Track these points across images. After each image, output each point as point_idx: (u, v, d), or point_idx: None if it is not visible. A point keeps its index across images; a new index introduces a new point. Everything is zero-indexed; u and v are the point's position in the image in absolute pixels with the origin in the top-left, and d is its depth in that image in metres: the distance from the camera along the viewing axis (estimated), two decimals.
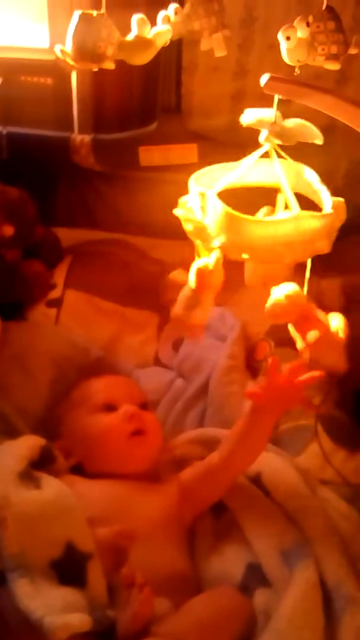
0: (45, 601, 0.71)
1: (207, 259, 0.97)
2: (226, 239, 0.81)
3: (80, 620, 0.70)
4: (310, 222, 0.80)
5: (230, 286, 1.37)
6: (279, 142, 0.84)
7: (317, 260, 1.26)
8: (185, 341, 1.31)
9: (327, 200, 0.84)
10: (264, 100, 1.08)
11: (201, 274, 0.97)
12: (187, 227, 0.89)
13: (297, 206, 0.83)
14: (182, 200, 0.91)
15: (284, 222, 0.80)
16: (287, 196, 0.84)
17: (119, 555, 0.83)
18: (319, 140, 0.85)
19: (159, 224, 1.35)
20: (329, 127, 1.40)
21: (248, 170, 0.88)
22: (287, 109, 1.09)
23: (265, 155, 0.88)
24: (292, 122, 0.86)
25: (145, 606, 0.75)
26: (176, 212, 0.90)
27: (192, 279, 0.98)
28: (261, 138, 0.87)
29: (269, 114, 0.84)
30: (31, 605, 0.70)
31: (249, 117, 0.85)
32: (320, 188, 0.87)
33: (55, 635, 0.68)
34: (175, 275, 1.32)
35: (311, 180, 0.89)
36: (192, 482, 0.98)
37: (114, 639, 0.74)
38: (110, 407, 1.04)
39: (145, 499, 0.95)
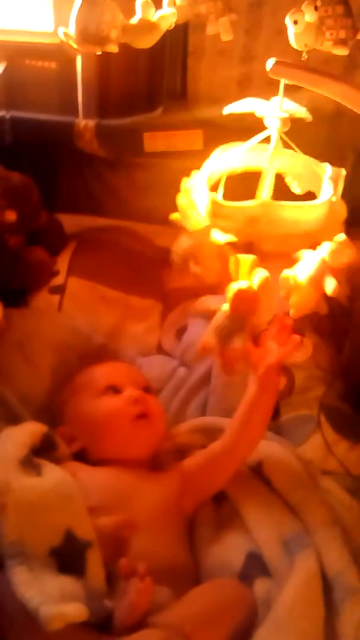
0: (42, 590, 0.70)
1: (246, 281, 0.94)
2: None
3: (76, 610, 0.70)
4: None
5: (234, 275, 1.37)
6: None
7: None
8: (188, 329, 1.30)
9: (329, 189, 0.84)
10: (270, 86, 1.06)
11: (242, 298, 0.93)
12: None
13: (270, 192, 0.82)
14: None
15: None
16: (266, 181, 0.83)
17: (120, 544, 0.83)
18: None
19: (163, 211, 1.34)
20: (336, 115, 1.40)
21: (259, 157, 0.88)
22: (296, 96, 1.08)
23: (265, 141, 0.87)
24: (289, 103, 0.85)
25: (143, 596, 0.75)
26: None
27: (229, 305, 0.95)
28: (271, 126, 0.86)
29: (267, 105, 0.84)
30: (27, 593, 0.70)
31: (256, 109, 0.84)
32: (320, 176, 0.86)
33: (51, 624, 0.67)
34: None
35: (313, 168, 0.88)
36: (193, 471, 0.97)
37: (111, 630, 0.74)
38: (114, 390, 1.03)
39: (147, 487, 0.94)
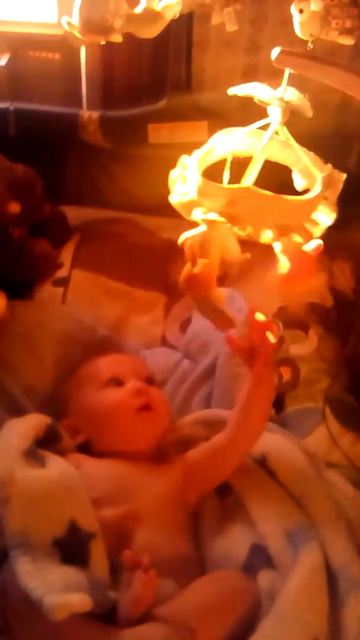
0: (46, 580, 0.71)
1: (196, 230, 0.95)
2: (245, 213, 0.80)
3: (80, 600, 0.70)
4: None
5: (240, 268, 1.37)
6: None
7: (328, 244, 1.25)
8: (192, 322, 1.30)
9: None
10: (276, 77, 1.05)
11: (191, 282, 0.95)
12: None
13: (253, 179, 0.81)
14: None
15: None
16: (253, 168, 0.83)
17: (124, 536, 0.83)
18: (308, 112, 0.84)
19: (167, 203, 1.33)
20: (343, 106, 1.39)
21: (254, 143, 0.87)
22: (302, 86, 1.07)
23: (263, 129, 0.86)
24: (292, 94, 0.84)
25: (148, 589, 0.75)
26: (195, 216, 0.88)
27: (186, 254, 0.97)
28: (273, 115, 0.86)
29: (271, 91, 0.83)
30: (31, 583, 0.70)
31: (258, 94, 0.83)
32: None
33: (55, 614, 0.67)
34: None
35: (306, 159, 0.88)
36: (197, 463, 0.97)
37: (115, 621, 0.74)
38: (117, 382, 1.03)
39: (151, 479, 0.94)
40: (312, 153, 0.94)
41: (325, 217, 0.88)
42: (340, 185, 0.87)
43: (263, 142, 0.85)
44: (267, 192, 0.80)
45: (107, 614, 0.75)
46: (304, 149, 0.93)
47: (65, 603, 0.68)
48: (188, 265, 0.93)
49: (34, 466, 0.84)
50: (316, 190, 0.81)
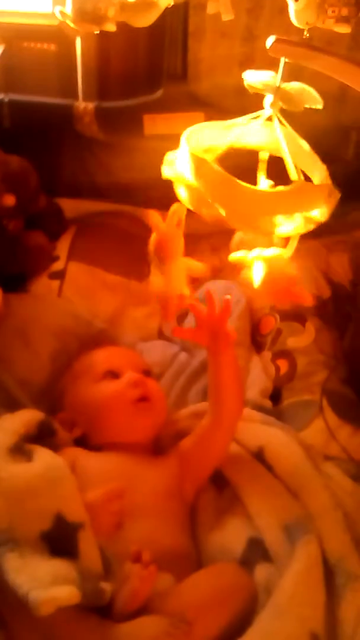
0: (33, 575, 0.70)
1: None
2: (226, 208, 0.78)
3: (68, 593, 0.69)
4: (311, 192, 0.78)
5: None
6: (284, 107, 0.81)
7: (326, 235, 1.24)
8: (189, 315, 1.29)
9: (323, 171, 0.82)
10: (272, 67, 1.04)
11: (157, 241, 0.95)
12: (180, 190, 0.86)
13: (296, 173, 0.80)
14: (168, 158, 0.88)
15: (288, 193, 0.78)
16: (287, 163, 0.81)
17: (113, 520, 0.82)
18: (319, 104, 0.82)
19: (163, 195, 1.33)
20: (340, 96, 1.37)
21: (244, 132, 0.85)
22: (299, 75, 1.06)
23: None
24: (294, 86, 0.82)
25: (146, 584, 0.75)
26: (165, 172, 0.87)
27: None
28: (267, 104, 0.84)
29: (271, 77, 0.81)
30: (17, 579, 0.69)
31: (252, 79, 0.82)
32: (316, 161, 0.84)
33: (40, 609, 0.67)
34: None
35: (306, 149, 0.86)
36: (189, 450, 0.97)
37: (111, 614, 0.74)
38: (113, 375, 1.03)
39: (148, 472, 0.94)
40: (311, 152, 0.91)
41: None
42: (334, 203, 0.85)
43: (281, 137, 0.83)
44: (243, 183, 0.78)
45: (104, 607, 0.74)
46: (305, 144, 0.91)
47: (50, 598, 0.67)
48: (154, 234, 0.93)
49: (19, 461, 0.84)
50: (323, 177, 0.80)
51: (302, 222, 0.80)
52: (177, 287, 0.98)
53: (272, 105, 0.82)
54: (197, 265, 1.00)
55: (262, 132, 0.89)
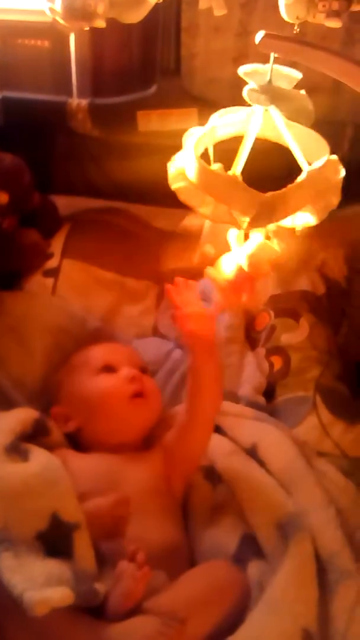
0: (28, 575, 0.70)
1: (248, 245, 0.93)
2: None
3: (61, 595, 0.69)
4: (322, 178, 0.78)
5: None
6: (265, 104, 0.81)
7: (321, 231, 1.24)
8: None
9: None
10: (266, 63, 1.04)
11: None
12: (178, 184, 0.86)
13: (305, 162, 0.79)
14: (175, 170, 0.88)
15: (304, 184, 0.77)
16: (295, 154, 0.81)
17: (117, 525, 0.82)
18: (306, 122, 0.81)
19: (158, 191, 1.32)
20: (335, 91, 1.37)
21: (244, 122, 0.85)
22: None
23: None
24: (292, 91, 0.82)
25: (139, 583, 0.74)
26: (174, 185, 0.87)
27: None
28: (245, 93, 0.84)
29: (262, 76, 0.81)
30: (12, 580, 0.69)
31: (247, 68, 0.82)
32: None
33: (35, 610, 0.67)
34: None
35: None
36: (171, 444, 0.97)
37: (104, 615, 0.74)
38: (110, 369, 1.03)
39: (136, 469, 0.94)
40: (319, 136, 0.90)
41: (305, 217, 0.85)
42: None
43: (251, 127, 0.83)
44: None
45: (97, 606, 0.74)
46: (312, 131, 0.90)
47: (45, 599, 0.67)
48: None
49: (15, 461, 0.84)
50: (301, 176, 0.79)
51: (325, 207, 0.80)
52: None
53: (255, 99, 0.81)
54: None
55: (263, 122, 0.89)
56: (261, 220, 0.79)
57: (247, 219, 0.80)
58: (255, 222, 0.79)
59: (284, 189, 0.82)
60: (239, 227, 0.85)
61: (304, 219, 0.85)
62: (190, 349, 0.96)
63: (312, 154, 0.87)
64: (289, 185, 0.82)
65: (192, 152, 0.82)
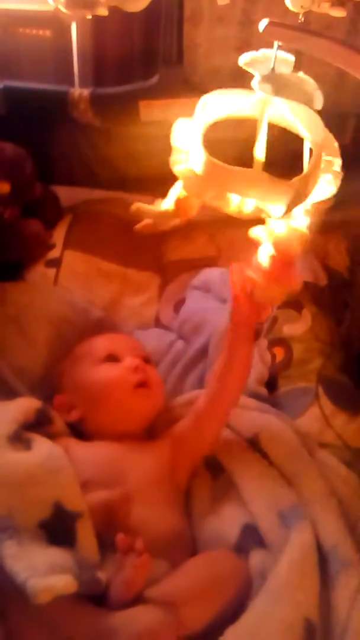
0: (31, 563, 0.70)
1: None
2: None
3: (64, 582, 0.69)
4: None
5: (233, 247, 1.36)
6: (269, 93, 0.80)
7: (324, 222, 1.23)
8: (186, 302, 1.29)
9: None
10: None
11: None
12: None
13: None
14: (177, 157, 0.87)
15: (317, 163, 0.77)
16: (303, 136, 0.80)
17: (117, 517, 0.83)
18: (315, 105, 0.81)
19: (160, 182, 1.32)
20: (338, 82, 1.36)
21: (243, 103, 0.84)
22: (297, 61, 1.05)
23: None
24: (293, 76, 0.81)
25: (140, 572, 0.75)
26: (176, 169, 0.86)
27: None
28: (254, 84, 0.83)
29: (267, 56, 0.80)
30: (15, 567, 0.69)
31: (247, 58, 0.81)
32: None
33: (38, 598, 0.67)
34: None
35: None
36: (183, 433, 0.98)
37: (106, 603, 0.74)
38: (114, 359, 1.03)
39: (140, 460, 0.94)
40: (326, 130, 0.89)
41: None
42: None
43: (288, 112, 0.82)
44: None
45: (100, 595, 0.75)
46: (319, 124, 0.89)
47: (48, 586, 0.68)
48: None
49: (18, 450, 0.84)
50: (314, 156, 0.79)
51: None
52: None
53: (262, 89, 0.80)
54: None
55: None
56: (293, 205, 0.79)
57: (278, 208, 0.79)
58: (289, 209, 0.79)
59: (306, 172, 0.81)
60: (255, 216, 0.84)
61: (318, 195, 0.84)
62: (234, 328, 0.96)
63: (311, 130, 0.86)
64: (308, 167, 0.82)
65: (202, 151, 0.81)
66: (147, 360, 1.07)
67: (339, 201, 0.99)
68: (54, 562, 0.72)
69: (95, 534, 0.79)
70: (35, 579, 0.68)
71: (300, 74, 0.84)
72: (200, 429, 0.98)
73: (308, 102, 0.82)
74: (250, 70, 0.82)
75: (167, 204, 0.96)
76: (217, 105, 0.86)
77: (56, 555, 0.73)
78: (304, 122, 0.84)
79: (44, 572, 0.69)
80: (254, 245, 1.00)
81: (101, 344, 1.07)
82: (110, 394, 0.99)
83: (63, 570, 0.71)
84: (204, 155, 0.79)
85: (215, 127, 0.91)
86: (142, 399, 1.00)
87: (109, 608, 0.74)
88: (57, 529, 0.77)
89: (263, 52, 0.82)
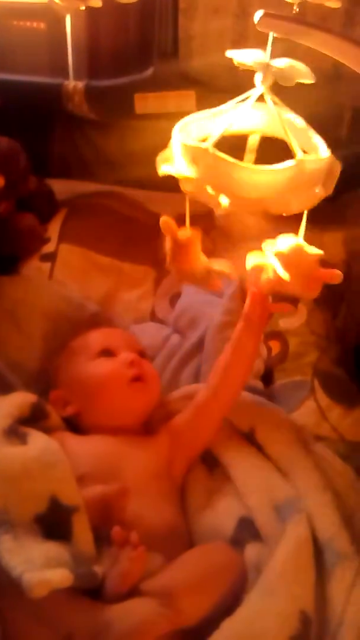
0: (27, 557, 0.70)
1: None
2: (230, 194, 0.77)
3: (60, 576, 0.69)
4: (313, 165, 0.77)
5: (228, 240, 1.35)
6: (278, 82, 0.79)
7: (319, 214, 1.23)
8: (181, 296, 1.29)
9: (321, 144, 0.80)
10: (265, 44, 1.03)
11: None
12: (186, 187, 0.84)
13: (299, 150, 0.78)
14: (163, 155, 0.86)
15: (289, 169, 0.76)
16: (289, 138, 0.79)
17: (113, 512, 0.83)
18: (310, 79, 0.80)
19: (155, 175, 1.32)
20: (335, 74, 1.35)
21: (236, 117, 0.84)
22: (292, 53, 1.04)
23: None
24: (283, 62, 0.81)
25: (136, 565, 0.75)
26: (163, 170, 0.85)
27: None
28: (257, 81, 0.83)
29: (259, 55, 0.79)
30: (11, 561, 0.69)
31: (241, 58, 0.80)
32: (313, 135, 0.83)
33: (34, 591, 0.67)
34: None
35: (301, 126, 0.85)
36: (181, 427, 0.98)
37: (102, 596, 0.74)
38: (109, 353, 1.03)
39: (136, 453, 0.94)
40: (306, 127, 0.89)
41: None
42: (336, 175, 0.84)
43: (276, 113, 0.81)
44: (229, 158, 0.76)
45: (95, 588, 0.75)
46: (300, 120, 0.89)
47: (44, 580, 0.68)
48: (168, 240, 0.91)
49: (14, 444, 0.84)
50: (287, 163, 0.78)
51: (309, 198, 0.79)
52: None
53: (263, 82, 0.80)
54: (221, 265, 0.97)
55: (254, 115, 0.87)
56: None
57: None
58: None
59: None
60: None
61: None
62: (246, 322, 0.97)
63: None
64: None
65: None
66: (142, 354, 1.07)
67: (335, 193, 0.99)
68: (49, 556, 0.71)
69: (91, 527, 0.78)
70: (31, 573, 0.68)
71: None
72: (200, 422, 0.98)
73: (305, 77, 0.81)
74: (244, 65, 0.82)
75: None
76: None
77: (52, 549, 0.73)
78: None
79: (40, 566, 0.69)
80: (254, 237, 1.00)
81: (96, 338, 1.07)
82: (106, 389, 0.99)
83: (59, 564, 0.71)
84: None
85: None
86: (137, 393, 1.00)
87: (104, 601, 0.74)
88: (53, 523, 0.76)
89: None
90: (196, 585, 0.77)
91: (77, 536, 0.76)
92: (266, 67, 0.81)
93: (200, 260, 0.94)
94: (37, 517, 0.76)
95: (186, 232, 0.90)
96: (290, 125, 0.85)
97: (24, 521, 0.75)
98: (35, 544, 0.73)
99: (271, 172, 0.76)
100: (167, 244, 0.93)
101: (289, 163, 0.77)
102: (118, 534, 0.77)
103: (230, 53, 0.82)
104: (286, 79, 0.84)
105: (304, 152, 0.82)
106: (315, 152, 0.83)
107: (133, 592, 0.75)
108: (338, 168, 0.83)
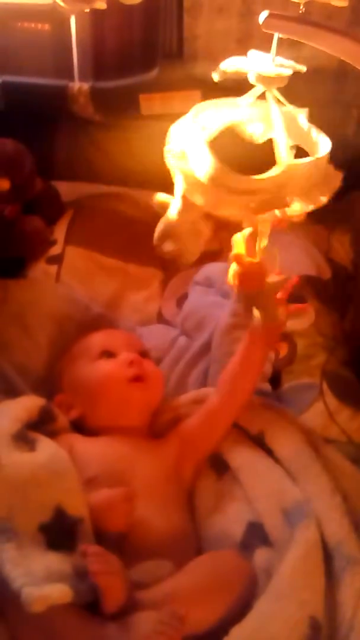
0: (28, 569, 0.69)
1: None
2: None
3: (60, 592, 0.68)
4: (303, 168, 0.76)
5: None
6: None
7: (327, 215, 1.22)
8: (189, 298, 1.28)
9: (323, 144, 0.80)
10: (270, 43, 1.02)
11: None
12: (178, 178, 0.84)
13: (288, 153, 0.78)
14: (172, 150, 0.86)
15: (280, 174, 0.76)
16: (278, 143, 0.79)
17: (119, 517, 0.82)
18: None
19: (161, 176, 1.31)
20: (341, 73, 1.35)
21: (241, 114, 0.83)
22: (298, 52, 1.03)
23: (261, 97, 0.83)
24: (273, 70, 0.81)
25: (103, 575, 0.71)
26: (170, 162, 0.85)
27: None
28: (252, 79, 0.83)
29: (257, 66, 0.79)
30: (13, 573, 0.68)
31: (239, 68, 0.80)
32: (315, 134, 0.82)
33: (33, 607, 0.66)
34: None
35: (305, 126, 0.84)
36: (192, 430, 0.98)
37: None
38: (109, 354, 1.03)
39: (145, 457, 0.94)
40: (310, 129, 0.88)
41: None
42: (337, 184, 0.83)
43: (275, 114, 0.81)
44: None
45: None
46: (304, 122, 0.88)
47: (43, 595, 0.66)
48: (234, 265, 0.92)
49: (22, 450, 0.83)
50: (274, 171, 0.77)
51: (299, 205, 0.79)
52: (273, 316, 0.96)
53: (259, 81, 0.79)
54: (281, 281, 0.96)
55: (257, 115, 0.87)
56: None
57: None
58: None
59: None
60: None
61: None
62: (253, 332, 0.97)
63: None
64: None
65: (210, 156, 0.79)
66: (144, 354, 1.07)
67: (342, 193, 0.99)
68: (51, 569, 0.70)
69: (97, 535, 0.78)
70: (31, 587, 0.67)
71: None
72: (210, 427, 0.98)
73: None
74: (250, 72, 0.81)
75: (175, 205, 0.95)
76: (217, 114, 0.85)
77: (54, 561, 0.72)
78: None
79: (41, 579, 0.68)
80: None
81: (96, 340, 1.07)
82: (105, 389, 0.99)
83: (60, 578, 0.69)
84: (212, 161, 0.78)
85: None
86: (137, 392, 1.00)
87: (105, 615, 0.72)
88: (57, 533, 0.76)
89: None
90: (205, 593, 0.77)
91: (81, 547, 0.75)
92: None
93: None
94: (42, 526, 0.76)
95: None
96: (295, 127, 0.84)
97: (28, 530, 0.74)
98: (37, 555, 0.72)
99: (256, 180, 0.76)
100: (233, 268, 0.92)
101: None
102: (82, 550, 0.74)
103: (228, 63, 0.81)
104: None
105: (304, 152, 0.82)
106: (315, 152, 0.82)
107: (136, 603, 0.73)
108: (338, 177, 0.83)
